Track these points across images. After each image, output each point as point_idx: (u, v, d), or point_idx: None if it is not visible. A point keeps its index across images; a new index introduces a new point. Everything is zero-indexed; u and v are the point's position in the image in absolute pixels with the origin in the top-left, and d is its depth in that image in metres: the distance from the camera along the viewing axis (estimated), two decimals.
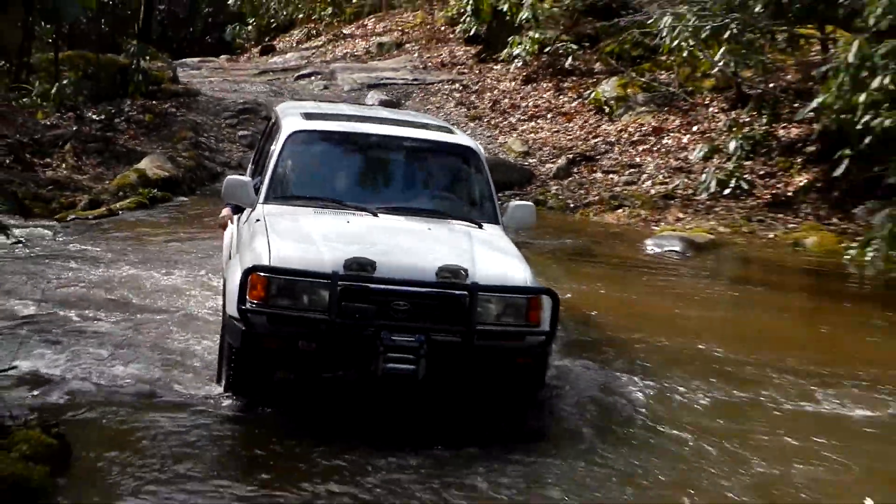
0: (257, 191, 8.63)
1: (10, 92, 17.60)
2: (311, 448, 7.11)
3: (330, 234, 7.92)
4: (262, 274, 7.14)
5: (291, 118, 9.49)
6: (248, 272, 7.15)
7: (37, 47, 18.69)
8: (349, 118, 10.18)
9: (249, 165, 11.18)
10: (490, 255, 7.96)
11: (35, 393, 7.90)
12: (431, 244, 8.03)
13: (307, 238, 7.81)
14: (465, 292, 7.24)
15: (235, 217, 9.50)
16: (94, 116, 18.66)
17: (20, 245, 10.48)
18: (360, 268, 7.16)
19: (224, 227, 10.09)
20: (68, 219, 15.01)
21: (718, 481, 7.57)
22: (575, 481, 7.32)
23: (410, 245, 7.97)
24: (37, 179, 16.23)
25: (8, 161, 16.43)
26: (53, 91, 18.40)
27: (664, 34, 18.45)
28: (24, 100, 17.99)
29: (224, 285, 8.43)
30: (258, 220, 8.15)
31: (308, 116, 9.61)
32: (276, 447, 7.14)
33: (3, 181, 15.38)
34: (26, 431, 6.69)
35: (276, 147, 9.03)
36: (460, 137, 10.06)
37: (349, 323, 7.18)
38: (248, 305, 7.10)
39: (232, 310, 7.38)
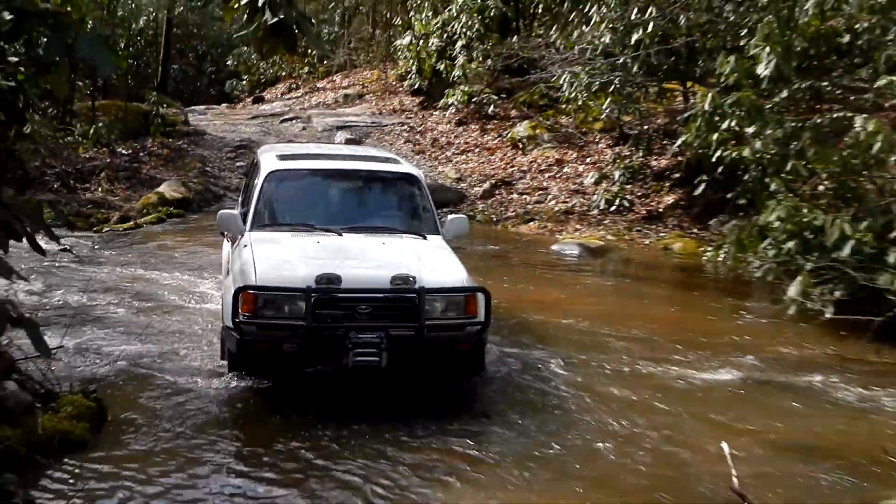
0: (244, 220, 8.60)
1: (57, 132, 17.86)
2: (297, 417, 7.30)
3: (303, 254, 7.96)
4: (250, 291, 7.26)
5: (268, 159, 9.43)
6: (238, 290, 7.28)
7: (78, 97, 18.98)
8: (315, 157, 10.20)
9: (239, 197, 11.17)
10: (433, 262, 8.03)
11: (78, 366, 8.19)
12: (385, 257, 8.00)
13: (285, 259, 7.85)
14: (415, 295, 7.37)
15: (227, 240, 9.60)
16: (124, 151, 18.82)
17: (67, 251, 10.21)
18: (328, 282, 7.30)
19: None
20: (103, 231, 15.31)
21: (601, 427, 7.83)
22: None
23: (368, 259, 8.00)
24: (78, 200, 16.37)
25: (56, 186, 16.67)
26: (91, 131, 18.68)
27: (564, 88, 18.47)
28: (69, 138, 18.14)
29: (222, 299, 8.42)
30: (246, 246, 8.13)
31: (282, 157, 9.55)
32: (273, 415, 7.41)
33: (52, 201, 15.59)
34: (71, 397, 7.04)
35: (257, 183, 8.99)
36: (405, 167, 10.07)
37: (322, 326, 7.29)
38: (240, 318, 7.19)
39: (228, 321, 7.45)
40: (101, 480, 6.28)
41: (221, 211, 9.02)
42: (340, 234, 8.49)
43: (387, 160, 10.45)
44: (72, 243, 12.95)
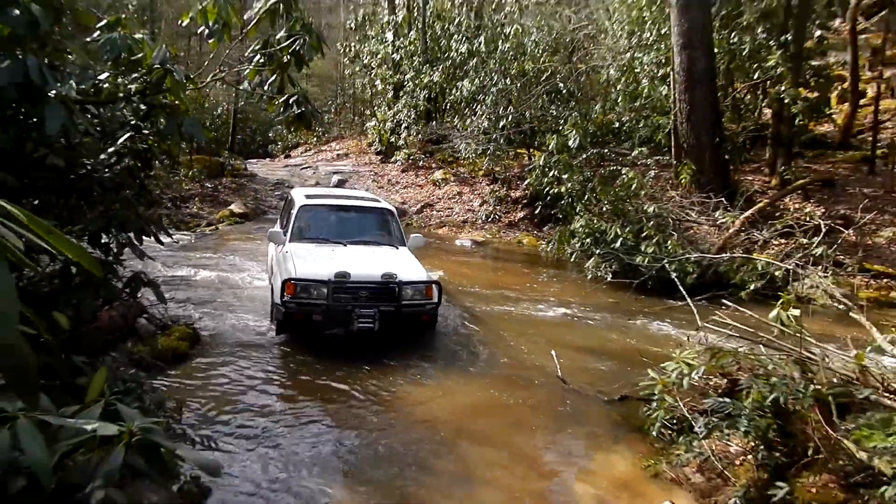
0: (285, 234, 8.26)
1: (169, 174, 17.49)
2: (320, 359, 6.96)
3: (324, 258, 7.57)
4: (292, 281, 6.95)
5: (299, 197, 9.05)
6: (285, 281, 6.98)
7: (182, 154, 18.55)
8: (329, 196, 9.60)
9: (278, 221, 10.31)
10: (406, 265, 7.65)
11: (181, 310, 7.94)
12: (376, 261, 7.64)
13: (314, 261, 7.42)
14: (396, 285, 7.11)
15: (274, 246, 8.86)
16: (209, 185, 18.51)
17: (176, 242, 10.29)
18: (342, 276, 6.99)
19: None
20: (197, 231, 14.81)
21: (487, 345, 7.97)
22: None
23: (366, 262, 7.56)
24: (183, 214, 16.14)
25: (169, 205, 16.40)
26: (190, 173, 18.32)
27: (462, 151, 18.73)
28: (176, 177, 17.84)
29: (272, 285, 7.99)
30: (287, 252, 7.78)
31: (308, 196, 9.12)
32: (306, 356, 7.01)
33: (169, 214, 15.40)
34: (178, 327, 7.01)
35: (293, 212, 8.57)
36: (384, 203, 9.52)
37: (337, 304, 6.96)
38: (285, 298, 6.93)
39: (277, 300, 7.10)
40: (195, 372, 6.33)
41: (271, 230, 8.72)
42: (346, 245, 8.10)
43: (373, 199, 9.91)
44: (178, 238, 12.77)
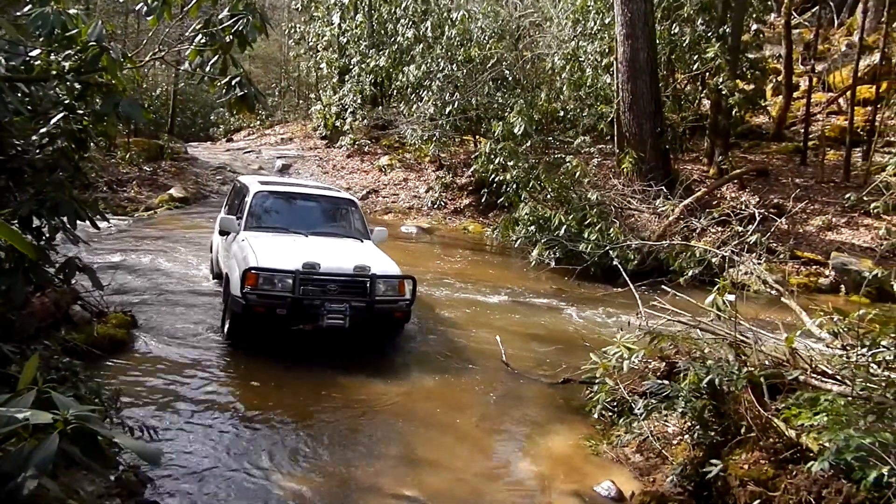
0: (238, 223, 7.59)
1: (106, 156, 16.90)
2: (261, 347, 6.58)
3: (287, 247, 6.93)
4: (254, 271, 6.31)
5: (253, 184, 8.33)
6: (246, 271, 6.33)
7: (119, 135, 17.90)
8: (284, 184, 8.96)
9: (224, 207, 9.68)
10: (376, 258, 7.08)
11: (119, 297, 7.67)
12: (345, 253, 7.06)
13: (277, 250, 6.78)
14: (369, 279, 6.58)
15: (220, 237, 8.25)
16: (147, 168, 17.85)
17: (113, 227, 10.07)
18: (310, 266, 6.40)
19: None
20: (134, 216, 14.29)
21: (438, 327, 8.02)
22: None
23: (335, 254, 6.96)
24: (119, 198, 15.61)
25: (105, 188, 15.85)
26: (127, 156, 17.68)
27: (408, 137, 18.55)
28: (113, 160, 17.26)
29: (225, 279, 7.17)
30: (243, 240, 7.12)
31: (263, 183, 8.44)
32: (245, 343, 6.62)
33: (105, 198, 14.88)
34: (115, 313, 6.83)
35: (248, 199, 7.88)
36: (345, 194, 8.89)
37: (305, 298, 6.38)
38: (246, 290, 6.27)
39: (235, 292, 6.44)
40: (133, 360, 6.19)
41: (222, 217, 8.05)
42: (307, 236, 7.43)
43: (332, 189, 9.26)
44: (115, 223, 12.32)
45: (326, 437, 5.02)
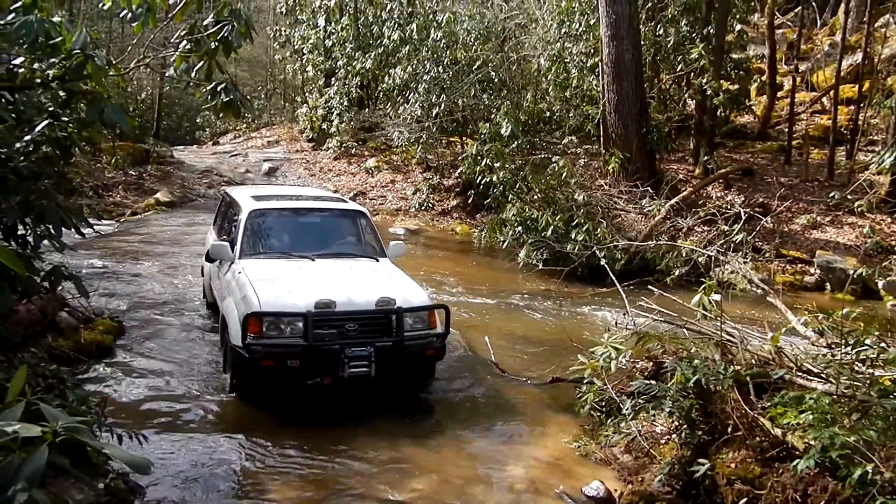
0: (232, 249, 6.42)
1: (91, 161, 16.79)
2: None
3: (293, 280, 5.86)
4: (256, 316, 5.28)
5: (245, 199, 7.10)
6: (247, 316, 5.27)
7: (105, 140, 17.79)
8: (283, 197, 7.64)
9: (212, 227, 8.46)
10: (399, 285, 6.02)
11: (106, 302, 7.76)
12: (362, 282, 6.00)
13: (281, 285, 5.70)
14: (395, 313, 5.53)
15: (213, 266, 7.09)
16: (133, 172, 17.79)
17: (98, 233, 9.76)
18: (325, 305, 5.35)
19: None
20: (121, 220, 14.29)
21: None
22: None
23: (350, 284, 5.86)
24: (105, 202, 15.49)
25: (91, 193, 15.75)
26: (113, 160, 17.59)
27: (395, 139, 18.46)
28: (98, 164, 17.16)
29: (222, 320, 6.07)
30: (239, 272, 6.00)
31: (257, 198, 7.19)
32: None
33: (91, 205, 14.78)
34: (102, 320, 6.85)
35: (241, 219, 6.68)
36: (353, 205, 7.73)
37: (320, 343, 5.31)
38: (248, 339, 5.22)
39: (236, 342, 5.39)
40: (121, 366, 6.19)
41: (213, 243, 6.73)
42: (313, 260, 6.35)
43: (337, 199, 8.16)
44: (101, 228, 12.14)
45: (309, 443, 5.01)
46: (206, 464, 4.57)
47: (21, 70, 3.94)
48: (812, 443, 3.74)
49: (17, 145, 4.04)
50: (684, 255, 10.11)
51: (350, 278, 6.07)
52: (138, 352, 6.55)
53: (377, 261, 6.74)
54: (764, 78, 17.55)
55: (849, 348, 4.28)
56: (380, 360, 5.40)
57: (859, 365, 4.24)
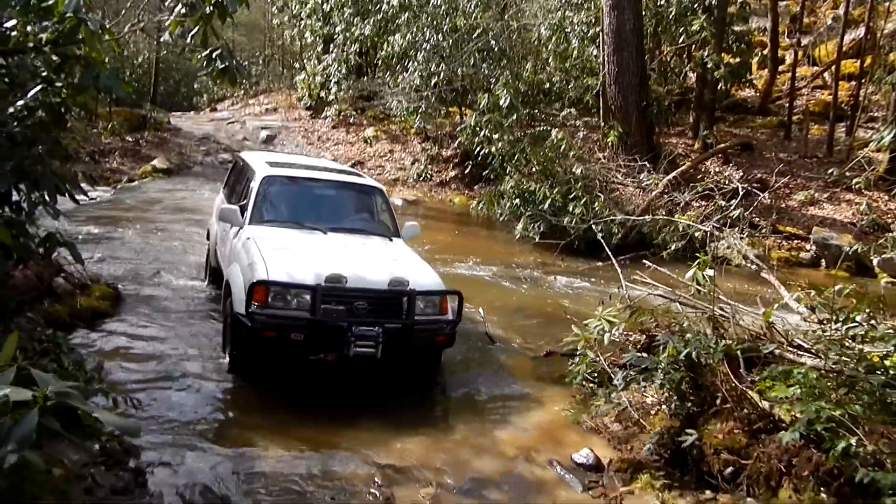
0: (242, 214, 6.21)
1: (87, 127, 16.66)
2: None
3: (303, 252, 5.61)
4: (264, 285, 5.05)
5: (260, 165, 6.87)
6: (253, 285, 5.06)
7: (100, 106, 17.65)
8: (297, 166, 7.34)
9: (222, 191, 8.24)
10: (412, 266, 5.77)
11: (103, 267, 7.70)
12: (375, 260, 5.75)
13: (291, 256, 5.46)
14: (407, 295, 5.28)
15: (220, 226, 6.95)
16: (129, 139, 17.65)
17: (94, 199, 9.97)
18: (335, 280, 5.12)
19: None
20: (118, 186, 14.17)
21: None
22: None
23: (362, 260, 5.62)
24: (102, 168, 15.39)
25: (87, 159, 15.66)
26: (109, 126, 17.45)
27: (393, 108, 18.44)
28: (94, 130, 17.04)
29: (226, 286, 5.82)
30: (248, 239, 5.78)
31: (272, 164, 6.96)
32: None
33: (87, 171, 14.72)
34: (98, 286, 6.79)
35: (254, 185, 6.45)
36: (370, 180, 7.41)
37: (327, 319, 5.12)
38: (253, 308, 5.01)
39: (239, 309, 5.18)
40: (116, 331, 6.17)
41: (223, 206, 6.61)
42: (325, 233, 6.10)
43: (353, 174, 7.85)
44: (98, 194, 12.07)
45: (305, 408, 5.06)
46: (201, 426, 4.62)
47: (13, 33, 3.90)
48: (798, 416, 3.81)
49: (11, 110, 4.01)
50: (681, 229, 10.13)
51: (362, 255, 5.84)
52: (134, 317, 6.55)
53: (391, 240, 6.49)
54: (765, 51, 17.42)
55: (839, 324, 4.32)
56: (387, 342, 5.19)
57: (849, 341, 4.28)
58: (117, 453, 3.70)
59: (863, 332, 4.26)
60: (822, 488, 3.68)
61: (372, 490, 4.03)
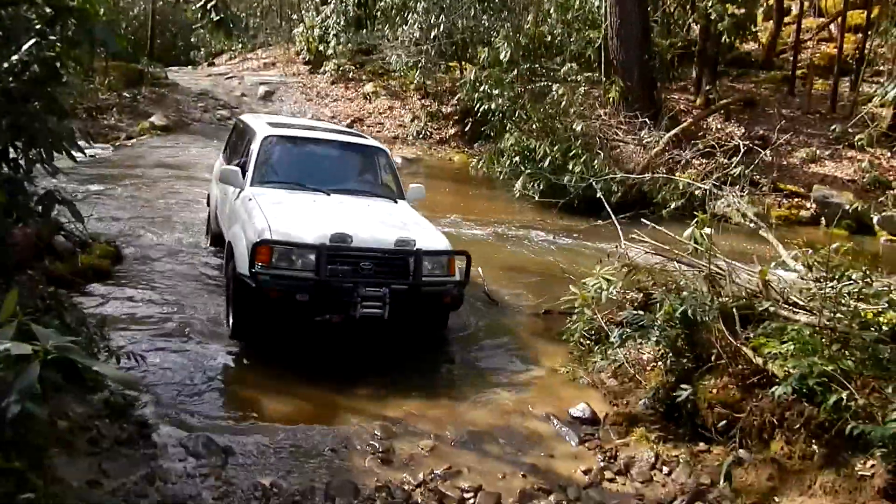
0: (244, 175, 6.08)
1: (84, 82, 16.48)
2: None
3: (307, 211, 5.56)
4: (268, 244, 4.95)
5: (261, 126, 6.76)
6: (256, 244, 4.95)
7: (96, 60, 17.40)
8: (298, 126, 7.31)
9: (222, 155, 8.03)
10: (419, 227, 5.71)
11: (102, 226, 7.66)
12: (380, 220, 5.67)
13: (295, 215, 5.41)
14: (413, 255, 5.19)
15: (219, 188, 6.92)
16: (127, 94, 17.44)
17: (93, 157, 9.84)
18: (340, 239, 5.04)
19: None
20: (116, 144, 14.09)
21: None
22: None
23: (368, 221, 5.55)
24: (100, 125, 15.33)
25: (85, 115, 15.58)
26: (106, 81, 17.24)
27: (393, 64, 18.32)
28: (91, 86, 16.85)
29: (228, 248, 5.71)
30: (250, 199, 5.68)
31: (273, 125, 6.89)
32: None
33: (84, 128, 14.59)
34: (99, 244, 6.81)
35: (254, 146, 6.34)
36: (373, 141, 7.34)
37: (333, 279, 5.01)
38: (257, 268, 4.90)
39: (243, 270, 5.08)
40: (117, 289, 6.22)
41: (224, 167, 6.50)
42: (329, 195, 5.96)
43: (357, 135, 7.73)
44: (96, 152, 11.98)
45: (306, 365, 5.11)
46: (202, 381, 4.70)
47: None
48: (791, 371, 3.85)
49: (6, 65, 3.97)
50: (681, 188, 10.11)
51: (367, 215, 5.75)
52: (135, 276, 6.58)
53: (395, 202, 6.37)
54: (771, 2, 17.10)
55: (834, 282, 4.35)
56: (394, 303, 5.09)
57: (844, 298, 4.31)
58: (120, 405, 3.78)
59: (857, 290, 4.28)
60: (813, 440, 3.75)
61: (371, 442, 4.11)
